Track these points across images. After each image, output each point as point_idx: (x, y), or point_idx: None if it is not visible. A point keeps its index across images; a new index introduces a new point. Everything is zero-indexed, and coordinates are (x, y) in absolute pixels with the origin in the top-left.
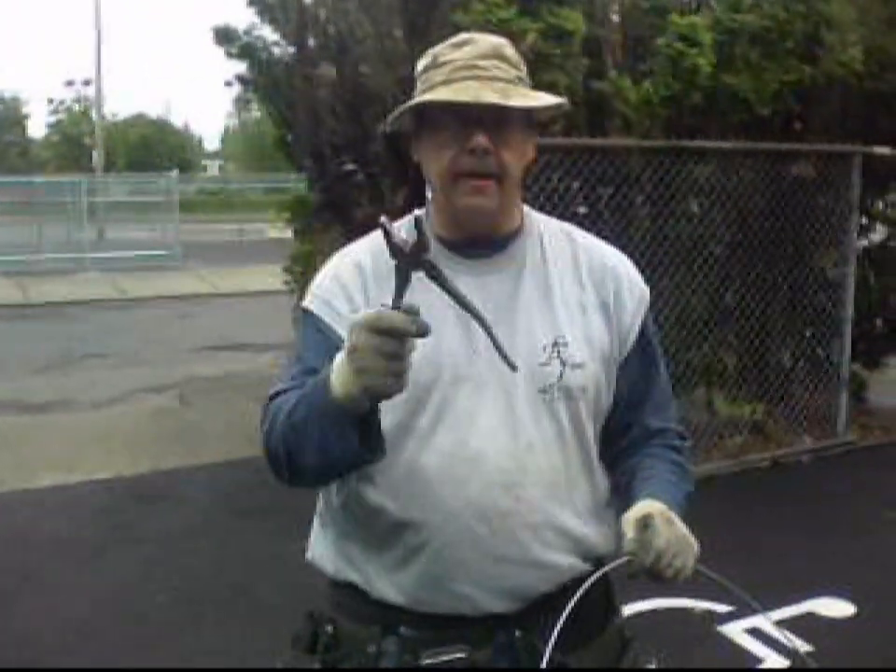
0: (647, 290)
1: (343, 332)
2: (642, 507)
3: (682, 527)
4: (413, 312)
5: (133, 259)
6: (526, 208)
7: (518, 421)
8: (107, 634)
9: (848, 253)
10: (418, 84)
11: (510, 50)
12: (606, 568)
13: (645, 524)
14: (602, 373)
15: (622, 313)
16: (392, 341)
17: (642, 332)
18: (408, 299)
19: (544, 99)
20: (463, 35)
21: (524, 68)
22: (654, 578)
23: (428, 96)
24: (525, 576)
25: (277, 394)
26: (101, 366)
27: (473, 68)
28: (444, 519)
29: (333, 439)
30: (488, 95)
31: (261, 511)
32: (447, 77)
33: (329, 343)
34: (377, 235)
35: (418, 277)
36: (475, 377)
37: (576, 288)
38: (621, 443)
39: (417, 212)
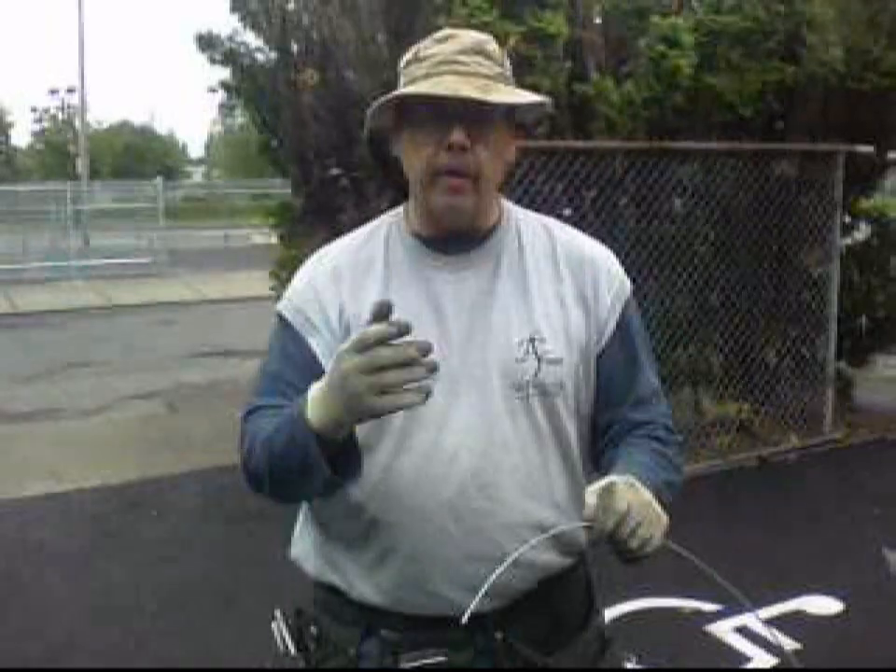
0: (627, 282)
1: (313, 343)
2: (606, 478)
3: (648, 495)
4: (384, 311)
5: (119, 267)
6: (505, 202)
7: (492, 419)
8: (96, 641)
9: (832, 251)
10: (401, 79)
11: (492, 46)
12: (558, 529)
13: (607, 489)
14: (581, 368)
15: (599, 304)
16: (381, 351)
17: (619, 324)
18: (384, 291)
19: (525, 96)
20: (446, 31)
21: (507, 65)
22: (619, 549)
23: (408, 89)
24: (503, 574)
25: (254, 410)
26: (87, 374)
27: (454, 63)
28: (420, 519)
29: (312, 470)
30: (467, 90)
31: (249, 517)
32: (427, 71)
33: (301, 352)
34: (358, 233)
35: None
36: (449, 375)
37: (554, 282)
38: (605, 438)
39: (394, 211)
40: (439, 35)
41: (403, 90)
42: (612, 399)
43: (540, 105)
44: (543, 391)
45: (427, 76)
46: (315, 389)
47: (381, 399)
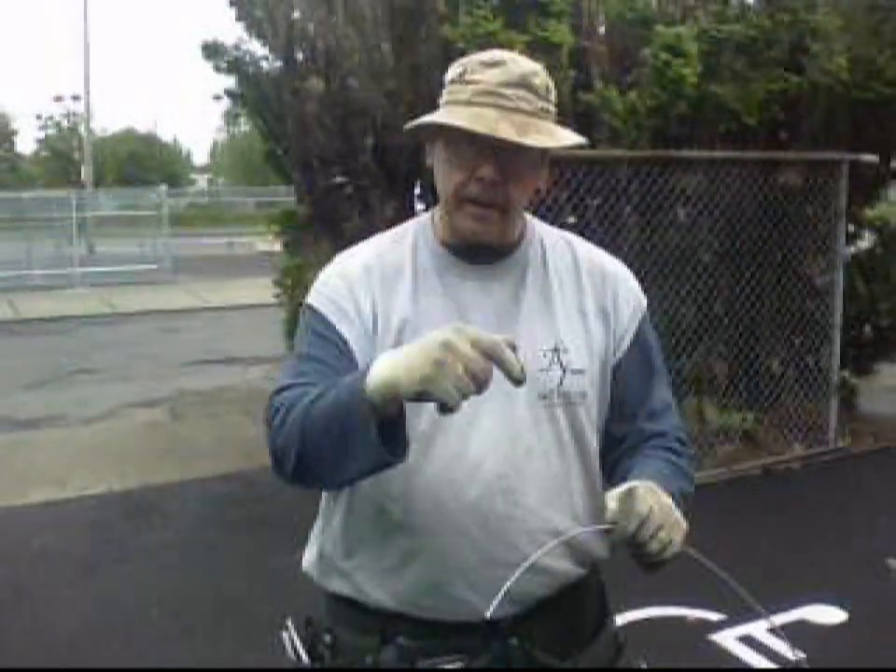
0: (643, 298)
1: (346, 332)
2: (627, 483)
3: (668, 500)
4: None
5: (123, 274)
6: (529, 217)
7: (517, 427)
8: (99, 649)
9: (836, 260)
10: (444, 93)
11: (538, 79)
12: (579, 531)
13: (628, 493)
14: (601, 379)
15: (618, 318)
16: (486, 363)
17: (636, 338)
18: (410, 304)
19: (561, 138)
20: (496, 53)
21: (552, 98)
22: (639, 552)
23: (448, 119)
24: (522, 580)
25: (283, 388)
26: (91, 381)
27: (497, 96)
28: (443, 523)
29: (356, 434)
30: (505, 129)
31: (253, 524)
32: (470, 98)
33: (333, 341)
34: (382, 238)
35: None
36: None
37: (576, 294)
38: (618, 450)
39: (418, 218)
40: (487, 57)
41: (445, 118)
42: (627, 411)
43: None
44: (568, 400)
45: (468, 103)
46: (387, 354)
47: (454, 385)
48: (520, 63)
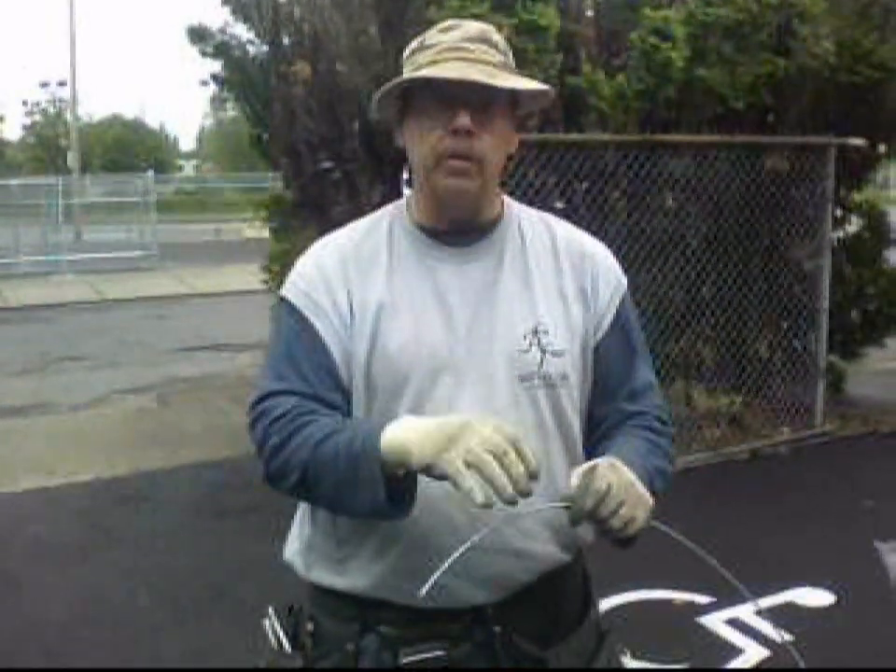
0: (623, 278)
1: (319, 327)
2: (590, 461)
3: (630, 475)
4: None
5: (110, 261)
6: (506, 197)
7: (496, 409)
8: (88, 635)
9: (823, 245)
10: (405, 68)
11: (496, 36)
12: (538, 507)
13: (589, 470)
14: (581, 361)
15: (598, 298)
16: (506, 444)
17: (616, 318)
18: (386, 287)
19: (529, 83)
20: (449, 21)
21: (510, 55)
22: (603, 530)
23: (415, 74)
24: (505, 565)
25: (267, 395)
26: (79, 368)
27: (460, 49)
28: (424, 508)
29: (365, 490)
30: (474, 74)
31: (241, 511)
32: (433, 58)
33: (309, 335)
34: (358, 225)
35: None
36: (455, 365)
37: (555, 275)
38: (599, 430)
39: (394, 203)
40: (443, 25)
41: (410, 75)
42: (608, 392)
43: (544, 93)
44: (548, 383)
45: (433, 62)
46: (406, 420)
47: (466, 468)
48: (475, 24)
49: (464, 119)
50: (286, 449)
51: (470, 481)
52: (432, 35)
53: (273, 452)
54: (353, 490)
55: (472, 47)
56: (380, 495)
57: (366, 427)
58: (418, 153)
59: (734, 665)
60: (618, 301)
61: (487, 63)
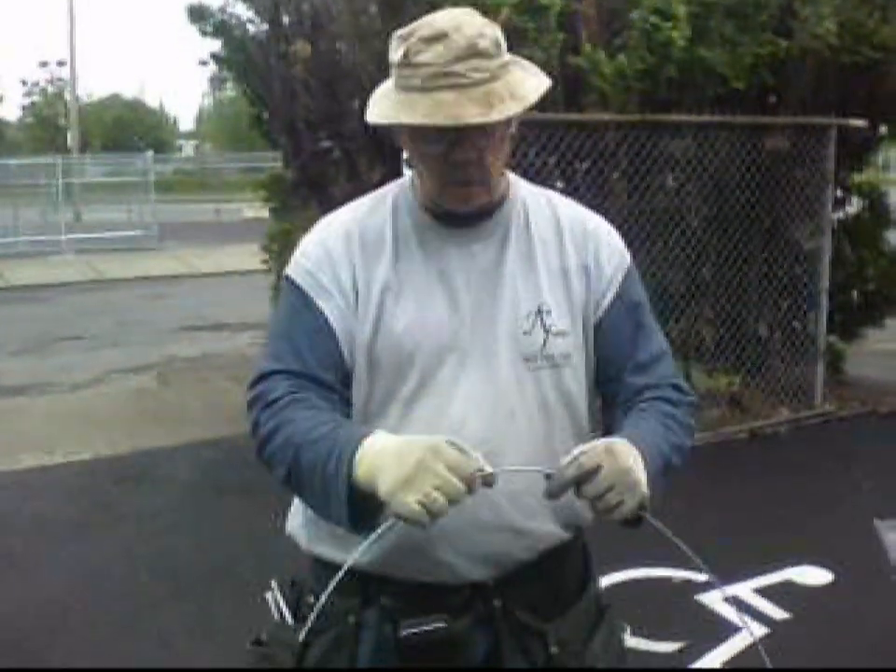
0: (626, 254)
1: (324, 307)
2: (592, 442)
3: (628, 461)
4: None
5: (110, 241)
6: (511, 175)
7: (500, 389)
8: (90, 612)
9: (824, 225)
10: (393, 75)
11: (485, 42)
12: (516, 468)
13: (585, 449)
14: (585, 339)
15: (600, 275)
16: (458, 483)
17: (618, 294)
18: (391, 270)
19: (526, 94)
20: (436, 24)
21: (503, 48)
22: (593, 510)
23: (410, 118)
24: (505, 543)
25: (268, 374)
26: (78, 348)
27: (450, 76)
28: None
29: (333, 506)
30: (468, 110)
31: (241, 489)
32: (423, 83)
33: (314, 316)
34: (362, 203)
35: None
36: (459, 347)
37: (558, 254)
38: (613, 409)
39: (398, 181)
40: (426, 32)
41: (405, 116)
42: (613, 368)
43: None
44: (552, 363)
45: (423, 89)
46: (385, 441)
47: (419, 507)
48: (463, 31)
49: (461, 153)
50: (273, 443)
51: (420, 516)
52: (417, 48)
53: (262, 442)
54: (326, 504)
55: (462, 68)
56: (344, 520)
57: (343, 440)
58: (420, 172)
59: (731, 642)
60: (620, 277)
61: (482, 82)
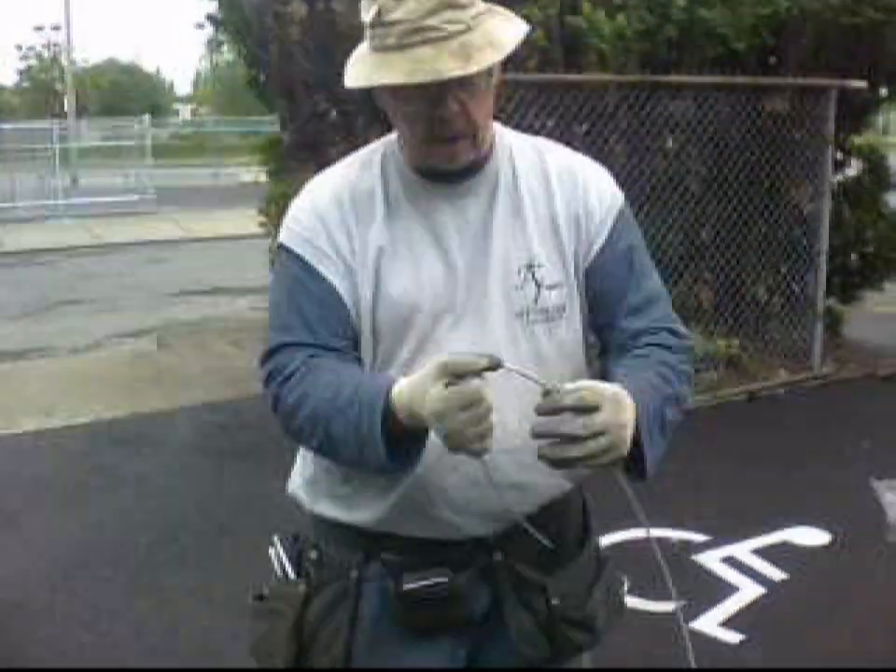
0: (619, 194)
1: (327, 273)
2: (606, 383)
3: (627, 418)
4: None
5: (107, 205)
6: (497, 126)
7: (494, 345)
8: (91, 574)
9: (823, 188)
10: (367, 37)
11: None
12: (515, 368)
13: (594, 386)
14: (579, 289)
15: (591, 221)
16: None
17: (610, 237)
18: (385, 231)
19: (506, 42)
20: None
21: None
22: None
23: (389, 78)
24: (505, 498)
25: (279, 347)
26: (77, 312)
27: (425, 30)
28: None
29: (371, 461)
30: (447, 65)
31: (241, 452)
32: (398, 40)
33: (317, 284)
34: (351, 163)
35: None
36: (454, 306)
37: (547, 205)
38: (607, 354)
39: (385, 139)
40: None
41: (384, 77)
42: (607, 313)
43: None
44: (546, 316)
45: (399, 47)
46: (408, 387)
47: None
48: None
49: (445, 108)
50: (298, 417)
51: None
52: (389, 6)
53: (286, 416)
54: (366, 462)
55: (436, 22)
56: (388, 467)
57: (368, 397)
58: (405, 135)
59: (729, 602)
60: (611, 221)
61: (458, 34)
